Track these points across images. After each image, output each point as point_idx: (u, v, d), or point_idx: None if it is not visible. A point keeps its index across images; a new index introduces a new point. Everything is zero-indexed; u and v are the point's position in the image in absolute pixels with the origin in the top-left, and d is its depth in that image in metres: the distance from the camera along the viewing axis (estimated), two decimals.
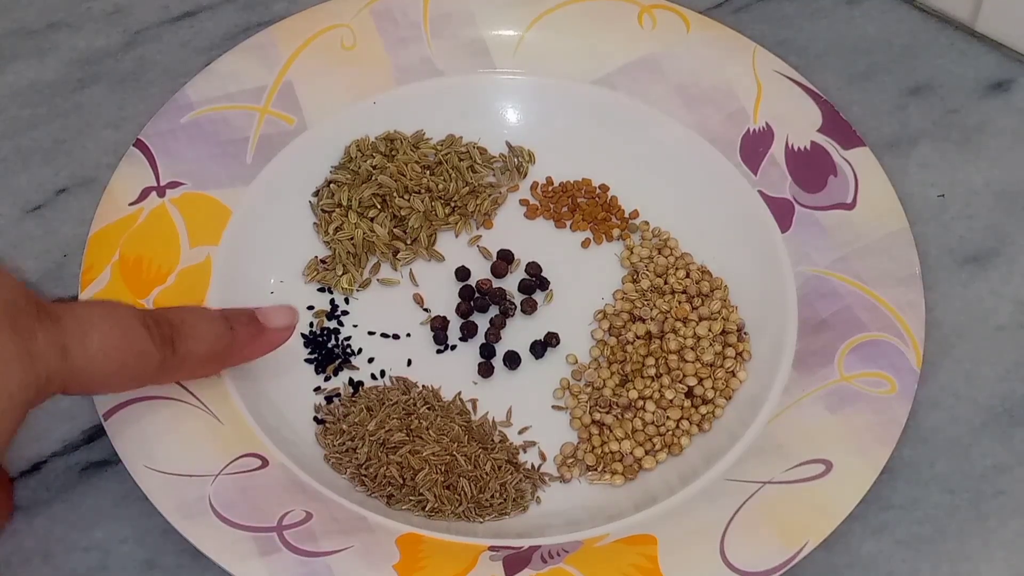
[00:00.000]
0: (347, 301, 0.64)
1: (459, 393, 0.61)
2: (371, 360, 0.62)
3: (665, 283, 0.64)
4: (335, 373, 0.62)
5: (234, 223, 0.63)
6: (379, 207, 0.65)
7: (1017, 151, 0.69)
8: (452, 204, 0.66)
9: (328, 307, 0.64)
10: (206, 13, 0.73)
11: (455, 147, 0.67)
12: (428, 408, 0.60)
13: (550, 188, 0.68)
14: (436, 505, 0.57)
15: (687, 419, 0.61)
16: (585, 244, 0.66)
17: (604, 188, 0.68)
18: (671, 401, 0.61)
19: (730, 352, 0.62)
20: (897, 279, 0.61)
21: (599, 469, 0.60)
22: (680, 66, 0.68)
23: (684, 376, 0.61)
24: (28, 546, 0.57)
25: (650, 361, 0.62)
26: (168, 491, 0.54)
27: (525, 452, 0.60)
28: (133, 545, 0.57)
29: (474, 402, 0.61)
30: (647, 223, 0.67)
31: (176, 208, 0.63)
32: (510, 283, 0.65)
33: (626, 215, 0.67)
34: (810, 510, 0.55)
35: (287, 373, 0.61)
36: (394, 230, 0.65)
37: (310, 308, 0.64)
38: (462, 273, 0.65)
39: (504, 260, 0.65)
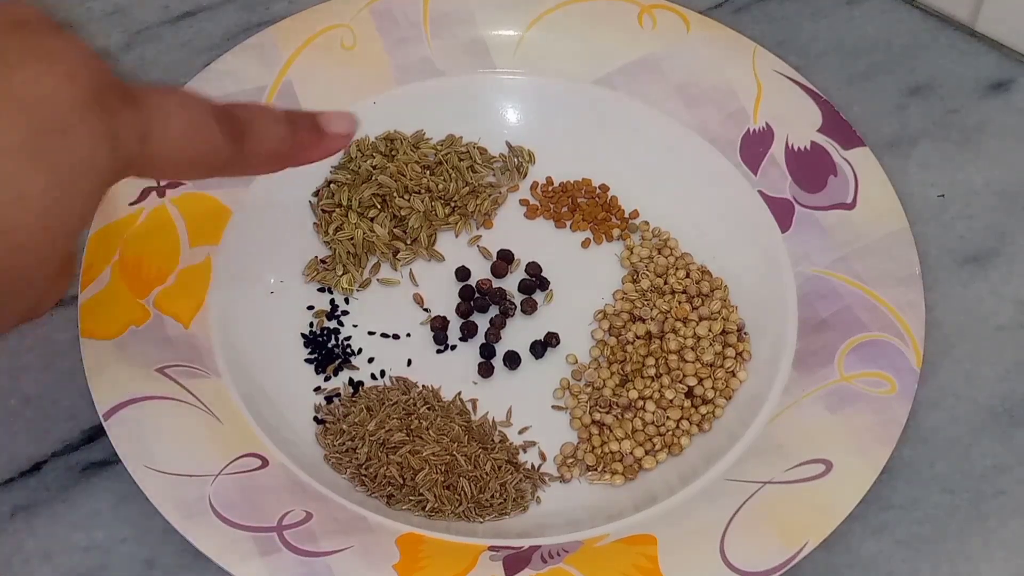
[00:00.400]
0: (347, 301, 0.64)
1: (459, 393, 0.61)
2: (371, 360, 0.62)
3: (665, 283, 0.64)
4: (335, 373, 0.62)
5: (234, 223, 0.63)
6: (379, 207, 0.65)
7: (1017, 151, 0.69)
8: (452, 204, 0.66)
9: (328, 307, 0.64)
10: (206, 13, 0.73)
11: (455, 147, 0.67)
12: (428, 408, 0.60)
13: (550, 188, 0.68)
14: (436, 505, 0.57)
15: (687, 419, 0.61)
16: (585, 244, 0.66)
17: (604, 188, 0.68)
18: (671, 401, 0.61)
19: (730, 352, 0.62)
20: (897, 279, 0.61)
21: (599, 469, 0.60)
22: (680, 66, 0.68)
23: (684, 376, 0.61)
24: (28, 546, 0.57)
25: (650, 361, 0.62)
26: (168, 491, 0.54)
27: (525, 452, 0.60)
28: (133, 545, 0.57)
29: (474, 402, 0.61)
30: (647, 223, 0.67)
31: (176, 208, 0.63)
32: (510, 283, 0.65)
33: (626, 215, 0.67)
34: (810, 510, 0.55)
35: (287, 373, 0.61)
36: (394, 230, 0.65)
37: (310, 308, 0.64)
38: (462, 273, 0.65)
39: (504, 260, 0.65)
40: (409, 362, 0.62)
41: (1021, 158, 0.69)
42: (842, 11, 0.74)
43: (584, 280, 0.65)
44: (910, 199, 0.66)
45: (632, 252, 0.65)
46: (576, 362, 0.63)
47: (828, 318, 0.61)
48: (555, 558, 0.55)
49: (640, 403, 0.61)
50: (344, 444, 0.59)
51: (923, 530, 0.58)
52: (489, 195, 0.67)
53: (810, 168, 0.65)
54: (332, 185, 0.66)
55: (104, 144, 0.47)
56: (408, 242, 0.65)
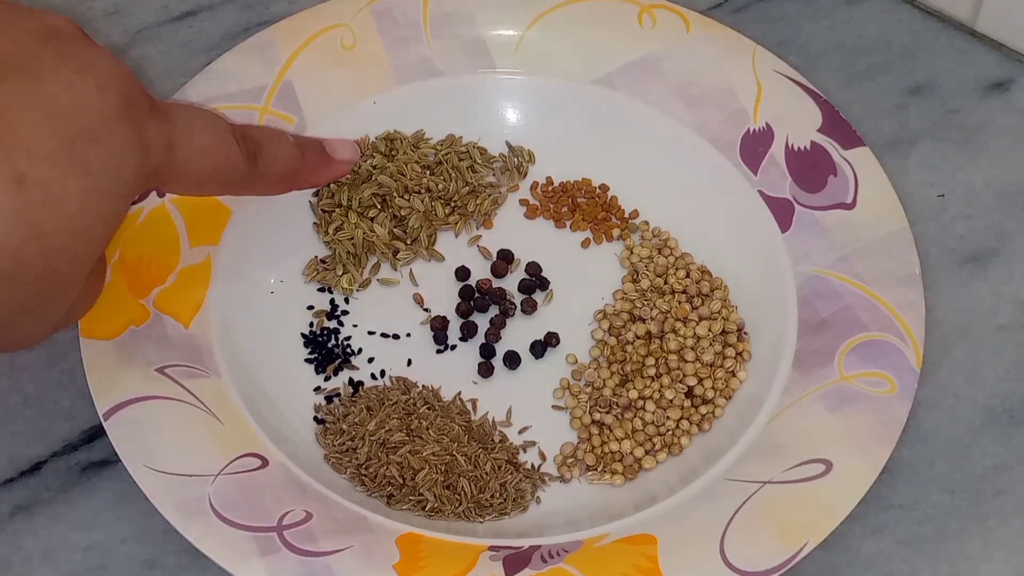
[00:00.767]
0: (347, 301, 0.64)
1: (459, 393, 0.61)
2: (371, 360, 0.62)
3: (665, 283, 0.64)
4: (335, 373, 0.62)
5: (234, 223, 0.63)
6: (379, 207, 0.65)
7: (1017, 151, 0.69)
8: (452, 204, 0.66)
9: (328, 307, 0.64)
10: (206, 13, 0.73)
11: (455, 147, 0.67)
12: (428, 408, 0.60)
13: (550, 188, 0.68)
14: (436, 505, 0.57)
15: (687, 419, 0.61)
16: (585, 244, 0.66)
17: (604, 188, 0.68)
18: (671, 401, 0.61)
19: (730, 352, 0.62)
20: (897, 279, 0.61)
21: (599, 469, 0.60)
22: (680, 66, 0.68)
23: (684, 376, 0.61)
24: (28, 546, 0.57)
25: (650, 361, 0.62)
26: (168, 491, 0.54)
27: (525, 452, 0.60)
28: (133, 545, 0.57)
29: (474, 402, 0.61)
30: (647, 223, 0.67)
31: (176, 208, 0.63)
32: (510, 283, 0.65)
33: (626, 215, 0.67)
34: (810, 510, 0.55)
35: (287, 373, 0.61)
36: (394, 230, 0.65)
37: (310, 308, 0.64)
38: (462, 273, 0.65)
39: (504, 260, 0.65)
40: (409, 362, 0.62)
41: (1021, 158, 0.69)
42: (842, 11, 0.74)
43: (584, 280, 0.65)
44: (910, 199, 0.66)
45: (632, 252, 0.65)
46: (576, 362, 0.63)
47: (828, 318, 0.61)
48: (555, 558, 0.55)
49: (640, 403, 0.61)
50: (344, 444, 0.59)
51: (923, 530, 0.58)
52: (489, 195, 0.67)
53: (810, 168, 0.65)
54: (332, 185, 0.65)
55: (134, 152, 0.48)
56: (408, 242, 0.65)
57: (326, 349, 0.62)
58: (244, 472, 0.56)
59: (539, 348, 0.63)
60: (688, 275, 0.64)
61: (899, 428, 0.57)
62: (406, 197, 0.65)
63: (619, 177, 0.68)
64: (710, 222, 0.66)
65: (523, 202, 0.68)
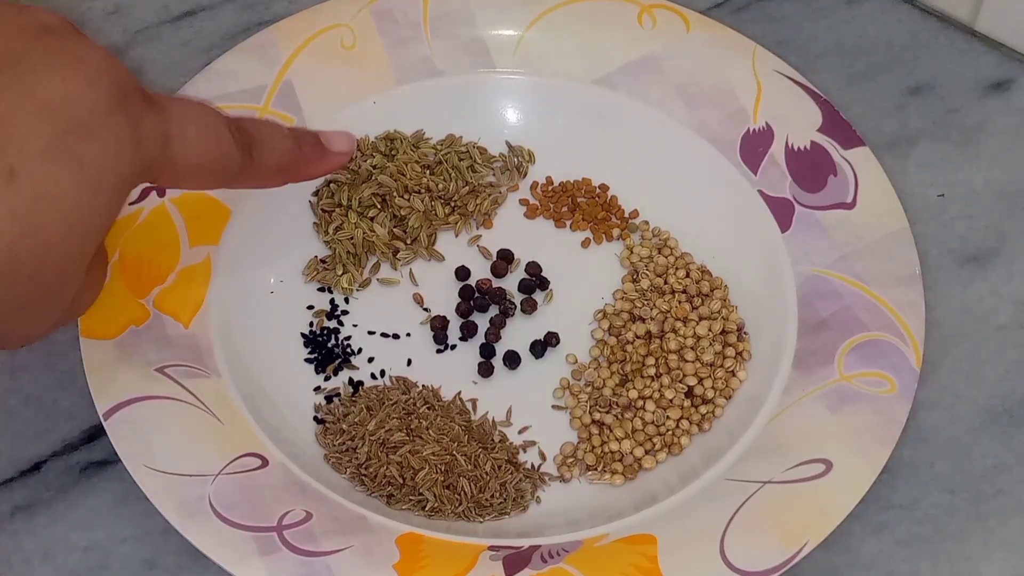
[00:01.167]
0: (347, 301, 0.64)
1: (459, 393, 0.61)
2: (371, 360, 0.62)
3: (665, 283, 0.64)
4: (335, 373, 0.62)
5: (234, 223, 0.63)
6: (379, 207, 0.65)
7: (1017, 151, 0.69)
8: (452, 204, 0.66)
9: (328, 307, 0.64)
10: (206, 13, 0.73)
11: (455, 147, 0.67)
12: (428, 408, 0.60)
13: (550, 188, 0.68)
14: (436, 505, 0.57)
15: (687, 419, 0.61)
16: (585, 244, 0.66)
17: (604, 188, 0.68)
18: (671, 401, 0.61)
19: (730, 352, 0.62)
20: (897, 279, 0.61)
21: (599, 469, 0.60)
22: (680, 66, 0.68)
23: (684, 376, 0.61)
24: (28, 546, 0.57)
25: (650, 361, 0.62)
26: (168, 491, 0.54)
27: (525, 452, 0.60)
28: (133, 545, 0.57)
29: (474, 402, 0.61)
30: (647, 223, 0.67)
31: (176, 208, 0.63)
32: (510, 283, 0.65)
33: (626, 215, 0.67)
34: (810, 510, 0.55)
35: (287, 373, 0.61)
36: (394, 230, 0.65)
37: (310, 308, 0.64)
38: (462, 273, 0.65)
39: (504, 260, 0.65)
40: (409, 362, 0.62)
41: (1021, 158, 0.69)
42: (842, 11, 0.74)
43: (584, 280, 0.65)
44: (910, 199, 0.66)
45: (632, 252, 0.65)
46: (576, 362, 0.63)
47: (828, 318, 0.61)
48: (555, 558, 0.55)
49: (640, 403, 0.61)
50: (344, 444, 0.59)
51: (923, 530, 0.58)
52: (489, 195, 0.67)
53: (810, 168, 0.65)
54: (332, 185, 0.65)
55: (128, 146, 0.48)
56: (408, 242, 0.65)
57: (326, 349, 0.62)
58: (244, 472, 0.56)
59: (539, 348, 0.63)
60: (688, 275, 0.64)
61: (899, 428, 0.57)
62: (406, 197, 0.65)
63: (619, 177, 0.68)
64: (710, 222, 0.66)
65: (523, 202, 0.68)
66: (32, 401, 0.60)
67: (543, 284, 0.65)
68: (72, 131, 0.47)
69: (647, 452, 0.60)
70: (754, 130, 0.66)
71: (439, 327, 0.63)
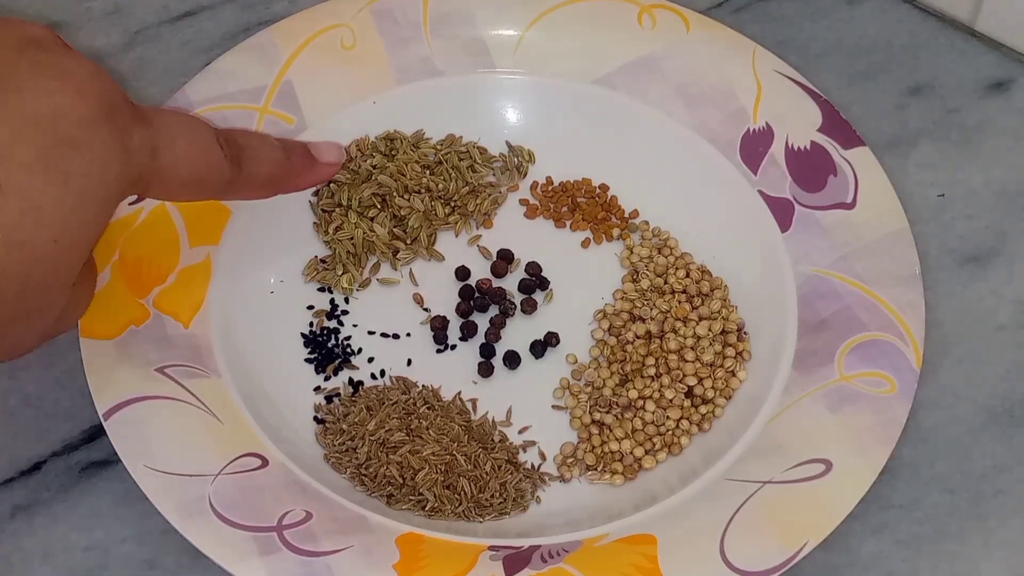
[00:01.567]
0: (347, 301, 0.64)
1: (459, 393, 0.61)
2: (371, 360, 0.62)
3: (665, 283, 0.64)
4: (335, 373, 0.62)
5: (234, 223, 0.63)
6: (379, 207, 0.65)
7: (1017, 151, 0.69)
8: (452, 204, 0.66)
9: (328, 307, 0.64)
10: (206, 13, 0.73)
11: (455, 147, 0.67)
12: (428, 408, 0.60)
13: (550, 188, 0.68)
14: (436, 505, 0.57)
15: (687, 419, 0.61)
16: (585, 244, 0.66)
17: (604, 188, 0.68)
18: (671, 401, 0.61)
19: (730, 352, 0.62)
20: (897, 279, 0.61)
21: (599, 469, 0.60)
22: (680, 66, 0.68)
23: (684, 376, 0.61)
24: (28, 546, 0.57)
25: (650, 361, 0.62)
26: (168, 491, 0.54)
27: (525, 452, 0.60)
28: (133, 545, 0.57)
29: (474, 402, 0.61)
30: (647, 223, 0.67)
31: (176, 208, 0.63)
32: (510, 283, 0.65)
33: (626, 215, 0.67)
34: (810, 510, 0.55)
35: (287, 373, 0.61)
36: (394, 230, 0.65)
37: (310, 308, 0.64)
38: (462, 273, 0.65)
39: (504, 260, 0.65)
40: (409, 362, 0.62)
41: (1021, 158, 0.69)
42: (842, 11, 0.74)
43: (584, 280, 0.65)
44: (910, 199, 0.66)
45: (632, 252, 0.65)
46: (576, 362, 0.63)
47: (828, 318, 0.61)
48: (555, 558, 0.55)
49: (640, 403, 0.61)
50: (344, 444, 0.59)
51: (923, 530, 0.58)
52: (489, 195, 0.67)
53: (810, 168, 0.65)
54: (332, 185, 0.65)
55: (116, 158, 0.48)
56: (408, 242, 0.65)
57: (326, 349, 0.62)
58: (244, 472, 0.56)
59: (539, 348, 0.63)
60: (688, 275, 0.64)
61: (899, 428, 0.57)
62: (406, 197, 0.65)
63: (619, 177, 0.68)
64: (710, 222, 0.66)
65: (523, 202, 0.68)
66: (32, 401, 0.60)
67: (543, 284, 0.65)
68: (60, 144, 0.46)
69: (647, 452, 0.60)
70: (754, 130, 0.66)
71: (439, 327, 0.63)
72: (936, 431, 0.61)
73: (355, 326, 0.63)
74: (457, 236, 0.66)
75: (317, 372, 0.62)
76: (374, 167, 0.66)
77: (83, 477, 0.59)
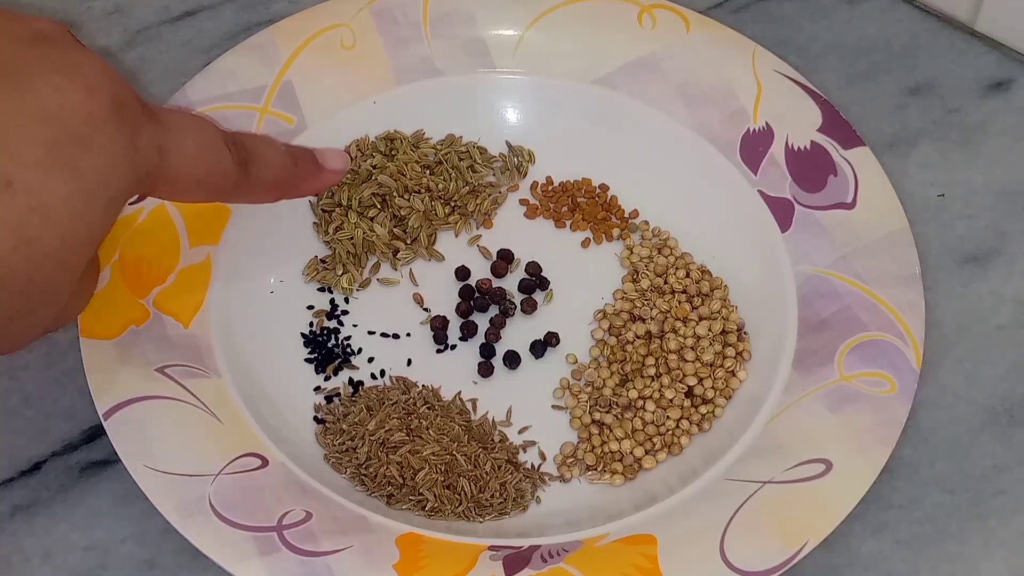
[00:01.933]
0: (347, 301, 0.64)
1: (459, 393, 0.61)
2: (371, 360, 0.62)
3: (665, 283, 0.64)
4: (335, 373, 0.62)
5: (234, 223, 0.63)
6: (379, 207, 0.65)
7: (1017, 151, 0.69)
8: (452, 204, 0.66)
9: (328, 307, 0.64)
10: (206, 13, 0.73)
11: (455, 147, 0.67)
12: (428, 408, 0.60)
13: (550, 188, 0.68)
14: (436, 505, 0.57)
15: (687, 419, 0.61)
16: (585, 244, 0.66)
17: (604, 188, 0.68)
18: (671, 401, 0.61)
19: (730, 352, 0.62)
20: (897, 279, 0.61)
21: (599, 469, 0.60)
22: (680, 66, 0.68)
23: (684, 376, 0.61)
24: (28, 546, 0.57)
25: (650, 361, 0.62)
26: (168, 491, 0.54)
27: (525, 452, 0.60)
28: (133, 545, 0.57)
29: (474, 402, 0.61)
30: (647, 223, 0.67)
31: (176, 208, 0.63)
32: (510, 283, 0.65)
33: (626, 215, 0.67)
34: (810, 510, 0.55)
35: (287, 373, 0.61)
36: (394, 230, 0.65)
37: (310, 308, 0.64)
38: (462, 273, 0.65)
39: (504, 260, 0.65)
40: (409, 362, 0.62)
41: (1021, 158, 0.69)
42: (842, 11, 0.74)
43: (584, 280, 0.65)
44: (910, 199, 0.66)
45: (632, 252, 0.65)
46: (576, 362, 0.63)
47: (828, 318, 0.61)
48: (555, 558, 0.55)
49: (640, 403, 0.61)
50: (344, 444, 0.59)
51: (923, 530, 0.58)
52: (489, 195, 0.67)
53: (810, 168, 0.65)
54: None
55: (125, 156, 0.48)
56: (408, 242, 0.65)
57: (326, 349, 0.62)
58: (244, 472, 0.56)
59: (539, 348, 0.63)
60: (688, 275, 0.64)
61: (899, 428, 0.57)
62: (406, 197, 0.65)
63: (619, 177, 0.68)
64: (710, 222, 0.66)
65: (523, 202, 0.68)
66: (32, 401, 0.60)
67: (543, 284, 0.65)
68: (69, 141, 0.46)
69: (647, 452, 0.60)
70: (754, 130, 0.66)
71: (439, 327, 0.63)
72: (936, 431, 0.61)
73: (355, 326, 0.63)
74: (457, 236, 0.66)
75: (317, 372, 0.62)
76: (374, 167, 0.66)
77: (83, 477, 0.59)
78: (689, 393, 0.61)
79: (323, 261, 0.65)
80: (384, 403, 0.60)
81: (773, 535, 0.55)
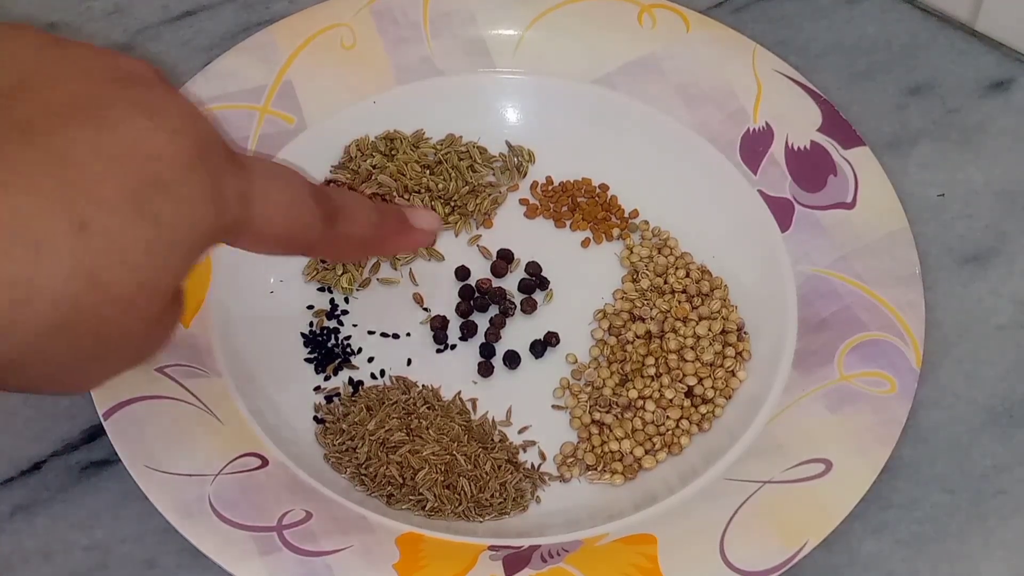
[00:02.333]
0: (347, 300, 0.64)
1: (459, 393, 0.61)
2: (371, 359, 0.62)
3: (665, 283, 0.64)
4: (335, 372, 0.62)
5: None
6: None
7: (1017, 151, 0.69)
8: (452, 204, 0.66)
9: (328, 306, 0.64)
10: (206, 13, 0.73)
11: (455, 147, 0.67)
12: (428, 408, 0.60)
13: (550, 188, 0.68)
14: (436, 505, 0.57)
15: (687, 419, 0.61)
16: (585, 244, 0.66)
17: (604, 188, 0.68)
18: (671, 401, 0.61)
19: (730, 352, 0.62)
20: (897, 279, 0.61)
21: (599, 469, 0.60)
22: (680, 66, 0.68)
23: (684, 376, 0.61)
24: (28, 546, 0.57)
25: (650, 361, 0.62)
26: (168, 491, 0.54)
27: (525, 452, 0.60)
28: (133, 545, 0.57)
29: (474, 402, 0.61)
30: (647, 223, 0.67)
31: None
32: (510, 283, 0.65)
33: (626, 215, 0.67)
34: (810, 510, 0.55)
35: (287, 373, 0.61)
36: None
37: (310, 308, 0.64)
38: (462, 273, 0.65)
39: (504, 260, 0.65)
40: (409, 362, 0.62)
41: (1021, 158, 0.69)
42: (842, 11, 0.74)
43: (584, 280, 0.65)
44: (910, 199, 0.66)
45: (632, 252, 0.65)
46: (576, 362, 0.63)
47: (828, 317, 0.61)
48: (555, 558, 0.55)
49: (640, 402, 0.61)
50: (344, 444, 0.59)
51: (923, 530, 0.58)
52: (489, 194, 0.67)
53: (810, 168, 0.65)
54: (332, 184, 0.65)
55: (208, 203, 0.46)
56: None
57: (326, 349, 0.62)
58: (244, 472, 0.56)
59: (539, 348, 0.63)
60: (688, 275, 0.64)
61: (899, 428, 0.57)
62: (406, 196, 0.65)
63: (619, 177, 0.68)
64: (710, 222, 0.66)
65: (523, 202, 0.68)
66: (32, 401, 0.60)
67: (543, 284, 0.65)
68: (149, 185, 0.45)
69: (647, 452, 0.60)
70: (754, 130, 0.66)
71: (439, 327, 0.63)
72: (936, 431, 0.61)
73: (355, 326, 0.63)
74: (457, 236, 0.66)
75: (317, 372, 0.62)
76: (374, 167, 0.66)
77: (83, 477, 0.59)
78: (689, 393, 0.61)
79: (323, 261, 0.65)
80: (384, 403, 0.60)
81: (773, 535, 0.55)
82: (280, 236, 0.51)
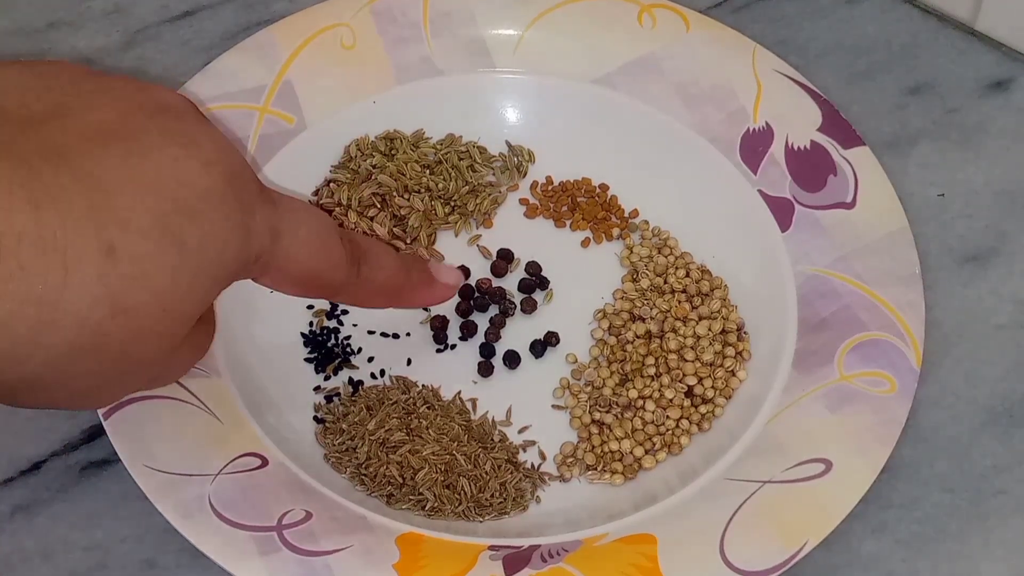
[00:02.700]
0: None
1: (459, 392, 0.61)
2: (371, 359, 0.62)
3: (665, 282, 0.64)
4: (335, 372, 0.62)
5: None
6: (379, 206, 0.65)
7: (1017, 151, 0.69)
8: (452, 203, 0.66)
9: (328, 306, 0.64)
10: (206, 12, 0.73)
11: (455, 146, 0.67)
12: (428, 407, 0.60)
13: (550, 187, 0.68)
14: (436, 504, 0.57)
15: (687, 418, 0.61)
16: (585, 243, 0.66)
17: (604, 187, 0.68)
18: (671, 400, 0.61)
19: (730, 351, 0.62)
20: (897, 279, 0.61)
21: (599, 468, 0.60)
22: (680, 65, 0.68)
23: (684, 375, 0.61)
24: (28, 546, 0.57)
25: (650, 360, 0.62)
26: (168, 491, 0.54)
27: (525, 451, 0.60)
28: (133, 545, 0.57)
29: (474, 401, 0.61)
30: (647, 222, 0.67)
31: None
32: (510, 282, 0.65)
33: (626, 214, 0.67)
34: (810, 509, 0.55)
35: (287, 373, 0.61)
36: (394, 229, 0.65)
37: (310, 308, 0.64)
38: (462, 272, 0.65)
39: (504, 259, 0.65)
40: (409, 361, 0.62)
41: (1021, 158, 0.69)
42: (842, 11, 0.74)
43: (584, 279, 0.65)
44: (910, 199, 0.66)
45: (632, 251, 0.65)
46: (576, 361, 0.63)
47: (828, 317, 0.61)
48: (555, 557, 0.55)
49: (640, 402, 0.61)
50: (344, 443, 0.59)
51: (923, 530, 0.58)
52: (489, 194, 0.67)
53: (810, 167, 0.65)
54: (332, 184, 0.66)
55: (235, 234, 0.47)
56: (408, 241, 0.65)
57: (326, 348, 0.62)
58: (244, 472, 0.56)
59: (539, 348, 0.63)
60: (688, 274, 0.64)
61: (899, 428, 0.57)
62: (406, 196, 0.65)
63: (619, 177, 0.68)
64: (710, 222, 0.66)
65: (523, 201, 0.68)
66: None
67: (543, 284, 0.65)
68: (179, 213, 0.45)
69: (647, 452, 0.60)
70: (754, 130, 0.66)
71: (439, 327, 0.63)
72: (936, 431, 0.61)
73: (355, 326, 0.63)
74: (457, 236, 0.66)
75: (317, 372, 0.62)
76: (374, 167, 0.66)
77: (83, 477, 0.59)
78: (689, 393, 0.61)
79: None
80: (384, 403, 0.60)
81: (773, 535, 0.54)
82: (306, 273, 0.51)
